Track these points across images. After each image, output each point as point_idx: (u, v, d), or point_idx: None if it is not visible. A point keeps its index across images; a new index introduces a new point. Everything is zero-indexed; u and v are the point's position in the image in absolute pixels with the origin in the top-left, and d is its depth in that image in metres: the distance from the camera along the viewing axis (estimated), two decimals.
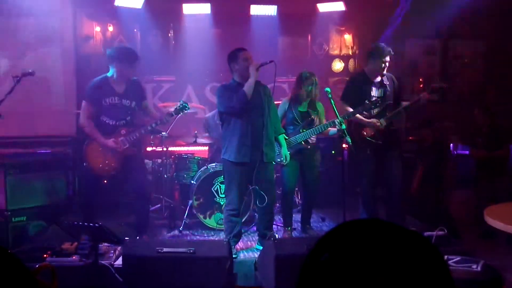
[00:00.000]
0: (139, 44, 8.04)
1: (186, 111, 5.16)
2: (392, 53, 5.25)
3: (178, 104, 5.15)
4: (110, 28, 7.88)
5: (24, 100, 6.65)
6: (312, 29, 8.40)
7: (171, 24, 8.09)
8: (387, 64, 5.23)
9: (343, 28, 8.50)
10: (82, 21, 7.74)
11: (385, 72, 5.30)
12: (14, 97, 4.63)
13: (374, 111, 5.28)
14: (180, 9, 7.70)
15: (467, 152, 6.87)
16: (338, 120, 4.75)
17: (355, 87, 5.36)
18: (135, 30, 8.00)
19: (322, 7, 7.80)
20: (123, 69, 4.88)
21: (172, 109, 5.16)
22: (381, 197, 5.66)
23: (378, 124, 5.20)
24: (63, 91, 7.23)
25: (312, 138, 5.40)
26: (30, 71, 4.72)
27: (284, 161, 5.18)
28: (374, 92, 5.29)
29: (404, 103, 5.36)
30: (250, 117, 4.73)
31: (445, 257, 3.74)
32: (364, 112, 5.23)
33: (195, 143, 6.51)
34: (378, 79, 5.33)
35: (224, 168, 5.02)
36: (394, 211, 5.42)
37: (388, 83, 5.34)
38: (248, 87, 4.65)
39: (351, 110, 5.19)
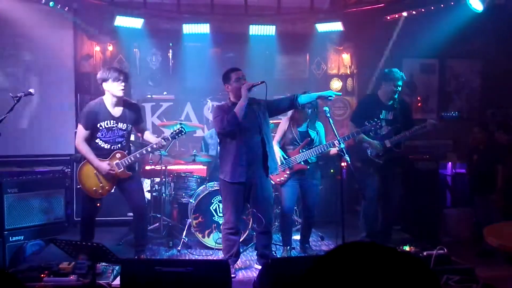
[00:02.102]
0: (138, 63, 8.11)
1: (182, 135, 5.13)
2: (405, 78, 5.45)
3: (175, 127, 5.11)
4: (110, 48, 7.94)
5: (23, 119, 6.68)
6: (310, 48, 8.47)
7: (170, 43, 8.16)
8: (399, 88, 5.45)
9: (341, 48, 8.57)
10: (82, 40, 7.81)
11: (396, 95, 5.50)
12: (13, 115, 4.65)
13: (381, 132, 5.42)
14: (180, 29, 7.76)
15: (463, 170, 6.90)
16: (337, 140, 4.77)
17: (365, 110, 5.54)
18: (134, 49, 8.07)
19: (320, 27, 7.86)
20: (111, 90, 4.82)
21: (168, 134, 5.14)
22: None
23: (378, 147, 5.34)
24: (63, 110, 7.26)
25: (311, 158, 5.42)
26: (30, 90, 4.73)
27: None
28: (384, 115, 5.49)
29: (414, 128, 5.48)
30: (245, 136, 4.72)
31: (445, 276, 3.73)
32: (371, 133, 5.36)
33: (193, 162, 6.51)
34: (390, 102, 5.53)
35: (220, 187, 5.01)
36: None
37: (399, 106, 5.50)
38: (238, 108, 4.65)
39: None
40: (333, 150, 5.26)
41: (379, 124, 5.20)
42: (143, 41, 7.92)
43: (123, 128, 4.94)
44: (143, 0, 7.54)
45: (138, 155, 4.95)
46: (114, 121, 4.88)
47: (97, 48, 7.91)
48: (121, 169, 4.88)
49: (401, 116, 5.57)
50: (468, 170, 6.42)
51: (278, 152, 5.29)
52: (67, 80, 7.38)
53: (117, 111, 4.91)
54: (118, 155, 4.90)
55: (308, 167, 5.37)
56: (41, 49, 7.03)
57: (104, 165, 4.83)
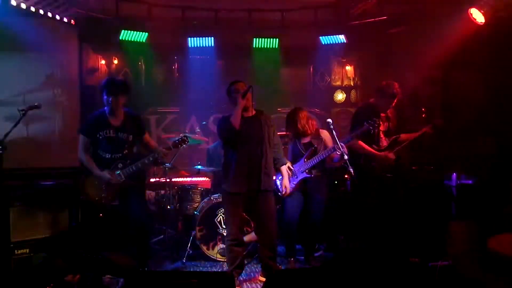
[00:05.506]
0: (143, 76, 8.17)
1: (184, 145, 5.16)
2: (400, 95, 5.42)
3: (178, 137, 5.15)
4: (115, 61, 8.02)
5: (28, 132, 6.73)
6: (314, 60, 8.54)
7: (175, 56, 8.23)
8: (393, 104, 5.45)
9: (345, 60, 8.63)
10: (88, 53, 7.88)
11: None
12: (18, 128, 4.68)
13: (383, 145, 5.41)
14: (184, 42, 7.85)
15: (470, 181, 6.86)
16: (336, 145, 4.81)
17: (363, 119, 5.41)
18: (139, 62, 8.14)
19: (323, 40, 7.93)
20: (110, 101, 4.86)
21: (171, 143, 5.17)
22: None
23: (390, 156, 5.31)
24: (68, 122, 7.30)
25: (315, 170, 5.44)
26: (36, 104, 4.77)
27: (284, 192, 5.18)
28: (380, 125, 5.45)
29: (407, 136, 5.47)
30: (246, 147, 4.76)
31: None
32: (374, 146, 5.35)
33: (198, 174, 6.53)
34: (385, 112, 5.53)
35: (223, 198, 5.06)
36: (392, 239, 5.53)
37: (392, 116, 5.50)
38: (233, 116, 4.71)
39: (364, 146, 5.34)
40: (335, 155, 5.27)
41: (378, 122, 5.20)
42: (148, 55, 8.00)
43: (124, 138, 4.96)
44: (148, 14, 7.64)
45: (140, 165, 4.95)
46: (114, 131, 4.92)
47: (103, 62, 7.98)
48: (122, 179, 4.90)
49: (396, 126, 5.57)
50: (479, 181, 6.35)
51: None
52: (72, 93, 7.43)
53: (117, 121, 4.95)
54: (120, 165, 4.92)
55: (312, 175, 5.39)
56: (47, 62, 7.09)
57: (104, 174, 4.86)
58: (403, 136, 5.53)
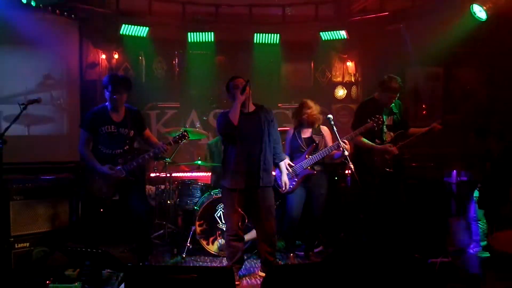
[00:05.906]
0: (144, 71, 8.17)
1: (185, 141, 5.16)
2: (402, 87, 5.36)
3: (178, 132, 5.15)
4: (116, 56, 8.01)
5: (29, 126, 6.73)
6: (315, 56, 8.53)
7: (175, 51, 8.22)
8: (395, 99, 5.39)
9: (346, 56, 8.62)
10: (88, 48, 7.86)
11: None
12: (18, 122, 4.68)
13: (386, 138, 5.36)
14: (185, 37, 7.84)
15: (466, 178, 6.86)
16: (339, 142, 4.80)
17: (366, 115, 5.34)
18: (140, 57, 8.13)
19: (325, 35, 7.92)
20: (111, 97, 4.85)
21: (171, 139, 5.16)
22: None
23: (391, 148, 5.26)
24: (68, 117, 7.31)
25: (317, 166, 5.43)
26: (36, 98, 4.77)
27: (284, 188, 5.18)
28: (385, 119, 5.38)
29: (415, 130, 5.44)
30: (246, 143, 4.76)
31: (449, 284, 3.72)
32: (377, 140, 5.31)
33: (198, 169, 6.53)
34: (387, 107, 5.46)
35: (222, 194, 5.06)
36: (392, 235, 5.49)
37: (397, 110, 5.46)
38: (232, 112, 4.70)
39: (364, 140, 5.28)
40: (336, 151, 5.27)
41: (381, 119, 5.17)
42: (148, 49, 8.00)
43: (125, 134, 4.96)
44: (148, 9, 7.62)
45: (140, 160, 4.95)
46: (115, 126, 4.91)
47: (103, 56, 7.97)
48: (123, 174, 4.90)
49: (401, 121, 5.54)
50: (480, 178, 6.34)
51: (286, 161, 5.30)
52: (73, 87, 7.43)
53: (118, 117, 4.95)
54: (120, 161, 4.92)
55: (315, 172, 5.38)
56: (47, 57, 7.09)
57: (105, 169, 4.85)
58: (411, 130, 5.49)
